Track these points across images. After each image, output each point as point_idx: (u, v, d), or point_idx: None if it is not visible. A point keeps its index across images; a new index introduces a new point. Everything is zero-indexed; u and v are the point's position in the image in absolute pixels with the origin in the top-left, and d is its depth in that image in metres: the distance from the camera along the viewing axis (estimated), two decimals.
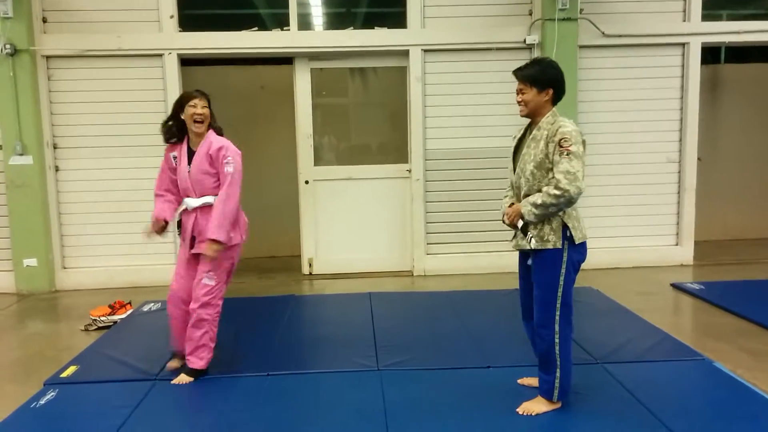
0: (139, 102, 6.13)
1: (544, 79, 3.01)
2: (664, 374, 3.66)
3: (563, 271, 2.98)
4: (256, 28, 6.23)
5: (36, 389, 3.66)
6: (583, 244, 3.05)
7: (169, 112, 3.71)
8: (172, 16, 6.08)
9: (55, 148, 6.15)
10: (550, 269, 2.99)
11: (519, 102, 3.08)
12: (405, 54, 6.29)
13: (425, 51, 6.28)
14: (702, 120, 6.63)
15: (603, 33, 6.29)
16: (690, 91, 6.44)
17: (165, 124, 3.71)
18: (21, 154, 5.91)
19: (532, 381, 3.40)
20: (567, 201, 2.87)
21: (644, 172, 6.52)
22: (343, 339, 4.41)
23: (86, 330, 4.90)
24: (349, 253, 6.55)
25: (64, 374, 3.85)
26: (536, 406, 3.16)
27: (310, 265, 6.60)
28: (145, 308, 5.28)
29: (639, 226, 6.58)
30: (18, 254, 6.06)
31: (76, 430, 3.16)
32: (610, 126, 6.47)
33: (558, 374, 3.07)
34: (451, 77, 6.31)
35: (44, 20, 6.03)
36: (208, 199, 3.63)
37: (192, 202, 3.65)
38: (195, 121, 3.58)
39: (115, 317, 5.02)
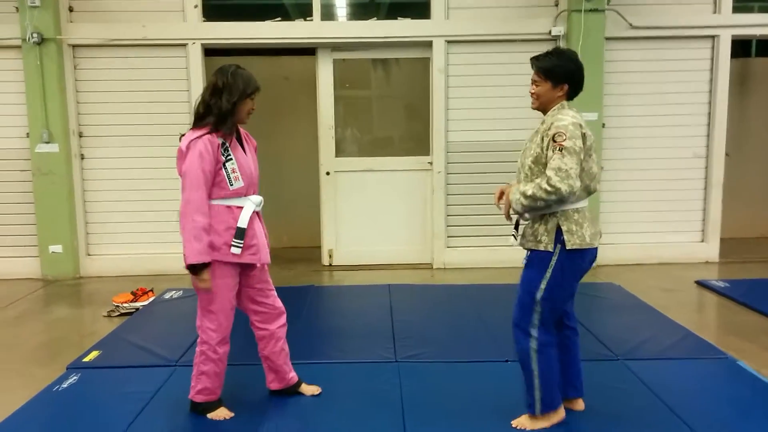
0: (164, 92, 6.18)
1: (560, 73, 2.82)
2: (686, 372, 3.61)
3: (548, 275, 2.79)
4: (280, 19, 6.24)
5: (59, 373, 3.73)
6: (584, 252, 2.80)
7: (221, 89, 2.94)
8: (196, 6, 6.10)
9: (80, 136, 6.23)
10: (534, 269, 2.83)
11: (531, 94, 2.90)
12: (428, 45, 6.25)
13: (449, 42, 6.23)
14: (730, 115, 6.49)
15: (631, 25, 6.19)
16: (719, 85, 6.32)
17: (225, 112, 2.94)
18: (47, 142, 5.99)
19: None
20: (558, 199, 2.68)
21: (670, 167, 6.42)
22: (362, 330, 4.41)
23: (109, 316, 4.97)
24: (369, 245, 6.55)
25: (86, 359, 3.92)
26: (528, 422, 2.96)
27: (330, 256, 6.61)
28: (167, 296, 5.34)
29: (664, 222, 6.48)
30: (43, 240, 6.15)
31: (97, 413, 3.21)
32: (637, 120, 6.37)
33: (537, 385, 2.86)
34: (475, 69, 6.26)
35: (71, 9, 6.09)
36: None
37: (262, 199, 3.13)
38: (248, 115, 3.06)
39: (138, 304, 5.08)
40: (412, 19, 6.26)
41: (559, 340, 3.02)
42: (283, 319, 3.28)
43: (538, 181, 2.72)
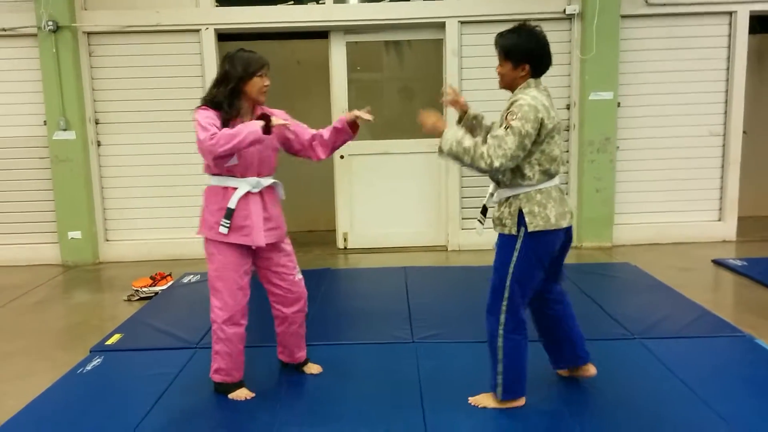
0: (178, 77, 6.21)
1: (518, 53, 2.79)
2: (703, 350, 3.61)
3: (514, 258, 2.79)
4: (292, 2, 6.22)
5: (82, 356, 3.80)
6: (550, 233, 2.78)
7: (222, 78, 3.02)
8: None
9: (96, 123, 6.28)
10: (503, 254, 2.84)
11: (497, 72, 2.91)
12: (441, 26, 6.22)
13: (462, 23, 6.19)
14: (748, 92, 6.41)
15: (646, 1, 6.11)
16: (736, 61, 6.24)
17: (220, 99, 2.99)
18: (64, 130, 6.04)
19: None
20: (480, 169, 2.73)
21: (687, 145, 6.36)
22: (378, 312, 4.44)
23: (129, 300, 5.04)
24: (384, 228, 6.57)
25: (109, 342, 3.99)
26: (487, 400, 2.99)
27: (345, 239, 6.64)
28: (185, 280, 5.39)
29: (680, 201, 6.44)
30: (63, 227, 6.23)
31: (121, 394, 3.27)
32: (653, 98, 6.31)
33: (500, 370, 2.88)
34: (489, 50, 6.10)
35: None
36: (271, 179, 3.18)
37: (263, 181, 3.12)
38: (262, 93, 3.06)
39: (157, 288, 5.14)
40: (424, 0, 6.22)
41: (550, 315, 3.05)
42: (301, 305, 3.31)
43: (478, 141, 2.73)
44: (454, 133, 2.81)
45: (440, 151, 2.87)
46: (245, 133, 2.82)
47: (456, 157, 2.79)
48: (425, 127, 2.96)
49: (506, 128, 2.69)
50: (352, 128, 3.24)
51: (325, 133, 3.27)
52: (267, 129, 2.89)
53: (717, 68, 6.32)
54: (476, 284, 4.98)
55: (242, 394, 3.20)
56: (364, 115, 3.20)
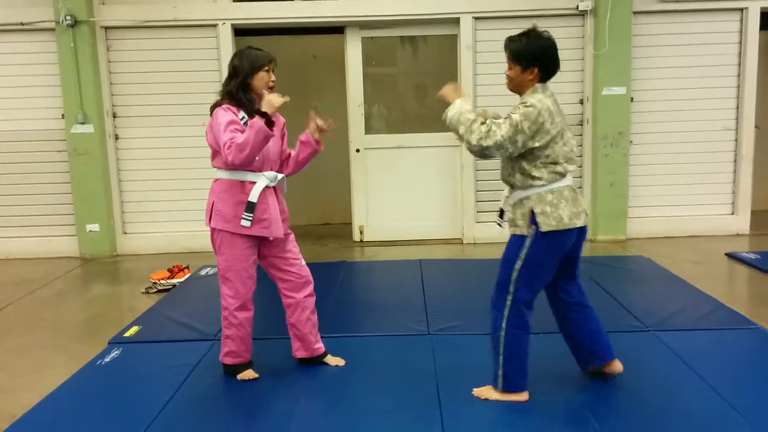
0: (195, 72, 6.26)
1: (527, 56, 2.80)
2: (717, 343, 3.63)
3: (522, 256, 2.83)
4: None
5: (101, 348, 3.83)
6: (562, 233, 2.81)
7: (232, 72, 3.16)
8: None
9: (114, 116, 6.34)
10: (511, 252, 2.89)
11: (506, 75, 2.90)
12: (456, 22, 6.25)
13: (476, 18, 6.22)
14: (760, 87, 6.41)
15: None
16: (748, 57, 6.25)
17: (234, 91, 3.13)
18: (82, 123, 6.11)
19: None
20: (469, 143, 2.76)
21: (700, 140, 6.38)
22: (394, 304, 4.47)
23: (147, 292, 5.10)
24: (400, 221, 6.61)
25: (127, 334, 4.02)
26: (491, 393, 3.02)
27: (361, 232, 6.68)
28: (203, 272, 5.44)
29: (694, 195, 6.46)
30: (81, 220, 6.30)
31: (140, 386, 3.29)
32: (665, 93, 6.32)
33: (501, 362, 2.91)
34: (502, 45, 6.22)
35: None
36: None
37: (278, 175, 3.22)
38: (269, 88, 3.16)
39: (174, 281, 5.20)
40: None
41: (571, 318, 3.07)
42: (310, 289, 3.38)
43: (479, 119, 2.76)
44: (462, 104, 2.85)
45: (444, 117, 2.92)
46: (253, 135, 2.89)
47: (454, 125, 2.84)
48: (442, 95, 2.97)
49: (506, 117, 2.75)
50: (318, 141, 3.33)
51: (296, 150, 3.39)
52: (269, 121, 2.94)
53: (729, 63, 6.32)
54: (492, 277, 4.92)
55: (248, 375, 3.34)
56: (319, 121, 3.29)
